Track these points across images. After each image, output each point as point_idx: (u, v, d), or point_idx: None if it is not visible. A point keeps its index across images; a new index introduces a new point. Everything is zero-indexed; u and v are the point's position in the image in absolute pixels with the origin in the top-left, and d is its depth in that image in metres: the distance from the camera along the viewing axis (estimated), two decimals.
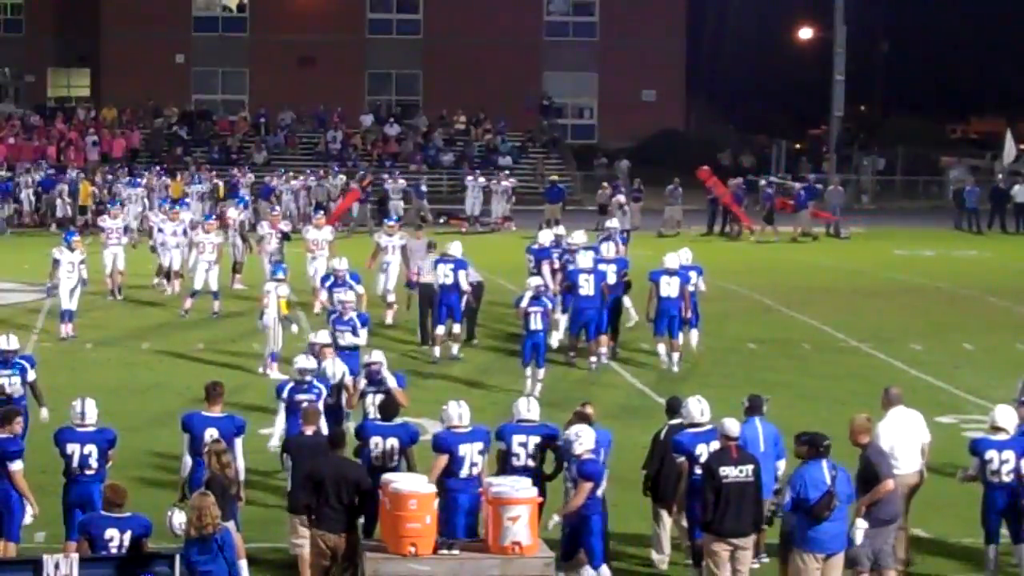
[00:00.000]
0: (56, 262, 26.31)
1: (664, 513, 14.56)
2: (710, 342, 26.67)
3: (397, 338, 26.25)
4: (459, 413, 13.84)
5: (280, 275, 23.51)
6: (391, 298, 27.60)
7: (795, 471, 13.17)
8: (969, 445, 14.40)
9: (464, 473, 13.54)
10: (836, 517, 12.95)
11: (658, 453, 14.43)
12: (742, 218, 45.62)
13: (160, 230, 31.48)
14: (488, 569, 12.71)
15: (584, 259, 23.94)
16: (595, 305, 23.60)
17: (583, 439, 13.54)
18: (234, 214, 34.18)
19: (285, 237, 30.83)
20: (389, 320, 27.20)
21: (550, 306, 22.18)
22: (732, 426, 13.39)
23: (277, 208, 39.14)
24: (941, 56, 76.80)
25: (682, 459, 13.95)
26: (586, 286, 23.49)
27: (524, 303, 21.77)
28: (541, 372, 21.67)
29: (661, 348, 23.93)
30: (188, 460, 14.41)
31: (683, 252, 24.35)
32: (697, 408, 14.21)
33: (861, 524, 13.20)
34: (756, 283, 34.03)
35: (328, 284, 23.36)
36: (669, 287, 23.53)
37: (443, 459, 13.55)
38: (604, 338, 24.07)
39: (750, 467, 13.16)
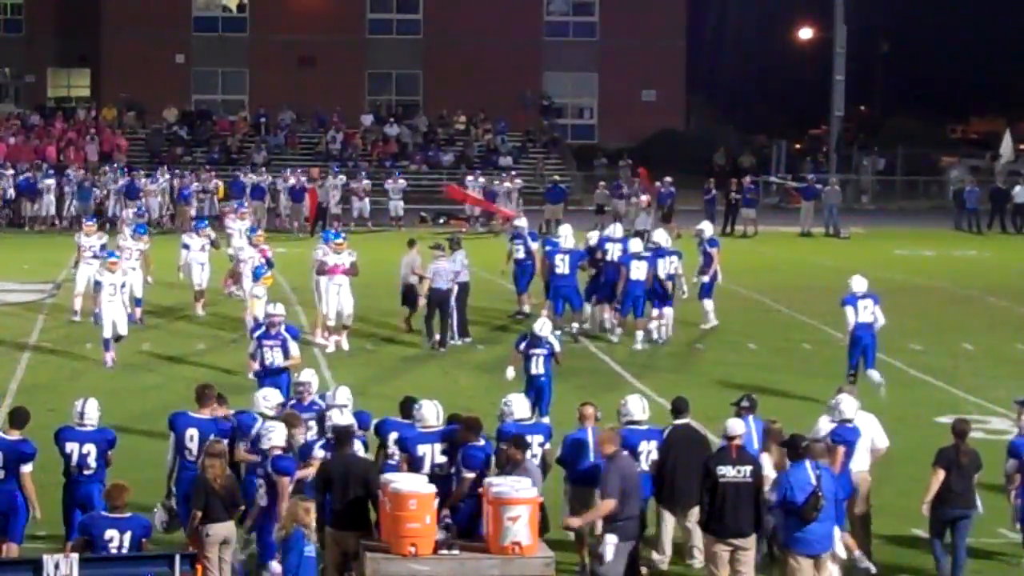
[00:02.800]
0: (98, 284, 24.20)
1: (666, 513, 14.56)
2: (710, 342, 26.74)
3: (406, 340, 26.30)
4: (424, 414, 14.10)
5: (269, 273, 23.84)
6: (348, 322, 25.12)
7: (780, 474, 13.19)
8: (1009, 446, 14.60)
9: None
10: (823, 518, 13.02)
11: (661, 453, 14.42)
12: (501, 212, 44.64)
13: (186, 246, 28.97)
14: (488, 569, 12.72)
15: (565, 242, 26.38)
16: (570, 283, 26.07)
17: (273, 435, 13.61)
18: (238, 225, 31.92)
19: (268, 264, 26.40)
20: (340, 346, 24.83)
21: (557, 347, 19.63)
22: (735, 426, 13.43)
23: (258, 229, 32.36)
24: (941, 56, 76.82)
25: (626, 454, 13.95)
26: (561, 265, 25.92)
27: (523, 345, 19.41)
28: (545, 420, 18.81)
29: (639, 333, 25.76)
30: (170, 458, 14.44)
31: (705, 224, 28.06)
32: (638, 406, 14.31)
33: (610, 539, 13.33)
34: (756, 283, 34.03)
35: (258, 335, 19.37)
36: (638, 270, 25.58)
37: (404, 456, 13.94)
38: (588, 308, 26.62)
39: (749, 467, 13.17)
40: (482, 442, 13.75)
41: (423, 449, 13.85)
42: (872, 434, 14.70)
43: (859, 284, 22.14)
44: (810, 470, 13.02)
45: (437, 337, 25.25)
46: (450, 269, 25.24)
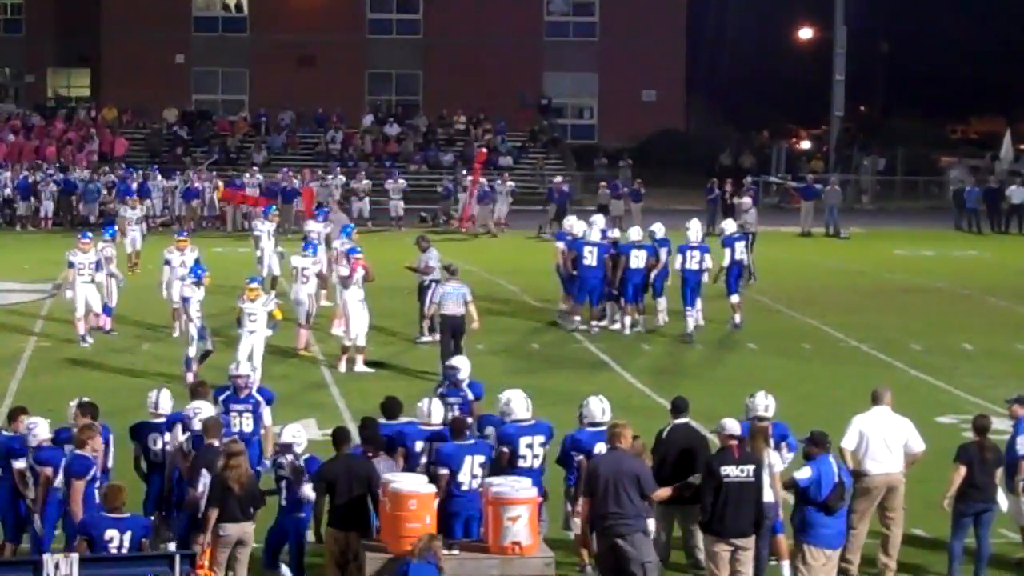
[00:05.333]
0: (186, 300, 22.95)
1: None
2: (710, 342, 26.76)
3: (406, 342, 26.27)
4: (428, 410, 14.27)
5: (254, 285, 22.43)
6: (361, 342, 23.92)
7: (808, 465, 13.26)
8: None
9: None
10: (840, 513, 13.15)
11: (660, 452, 14.40)
12: (259, 204, 43.85)
13: (167, 262, 26.61)
14: (488, 569, 12.72)
15: (593, 233, 27.31)
16: (598, 275, 26.82)
17: (37, 430, 13.84)
18: (317, 227, 30.76)
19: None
20: (351, 368, 23.72)
21: (471, 396, 16.11)
22: (732, 425, 13.43)
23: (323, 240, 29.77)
24: (941, 56, 76.80)
25: (580, 457, 14.02)
26: (590, 257, 26.79)
27: (439, 391, 16.11)
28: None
29: (627, 319, 27.13)
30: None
31: (657, 226, 28.30)
32: (598, 408, 14.27)
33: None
34: (756, 283, 34.02)
35: (224, 398, 15.88)
36: (637, 260, 26.82)
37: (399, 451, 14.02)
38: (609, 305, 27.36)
39: (751, 467, 13.17)
40: (471, 441, 13.71)
41: (421, 446, 13.94)
42: (907, 437, 14.63)
43: (695, 234, 26.84)
44: (833, 464, 13.25)
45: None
46: (460, 292, 23.04)
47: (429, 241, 26.74)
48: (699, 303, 27.20)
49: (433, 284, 25.45)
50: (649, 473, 13.29)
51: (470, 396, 16.03)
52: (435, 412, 14.24)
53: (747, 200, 38.88)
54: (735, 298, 27.95)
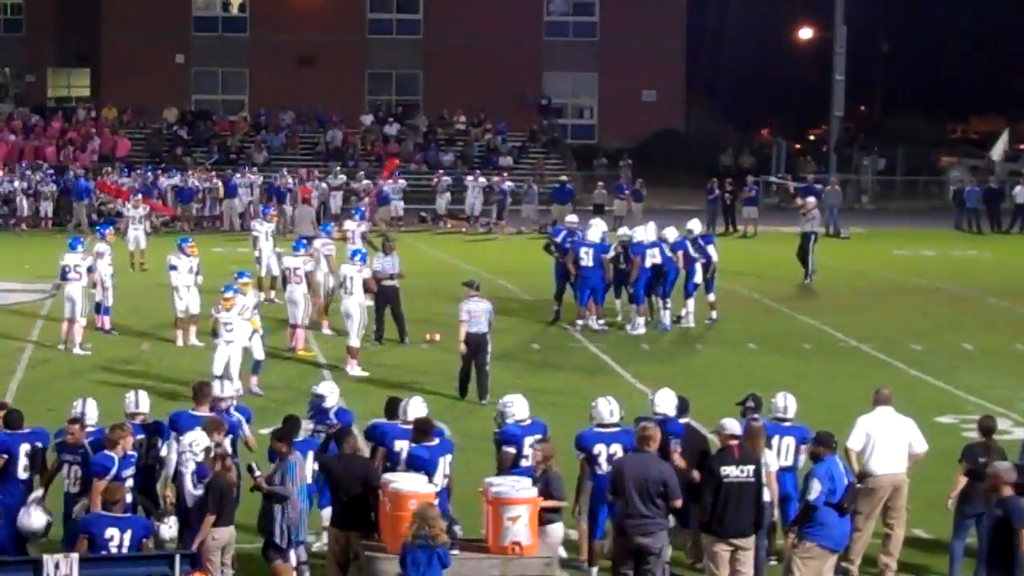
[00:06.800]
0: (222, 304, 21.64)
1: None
2: (710, 341, 26.76)
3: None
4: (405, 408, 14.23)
5: (229, 295, 21.47)
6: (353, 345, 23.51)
7: (817, 467, 13.21)
8: None
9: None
10: (849, 514, 13.20)
11: (659, 452, 14.39)
12: (164, 210, 44.00)
13: (173, 267, 25.54)
14: (488, 569, 12.71)
15: (593, 234, 27.75)
16: (596, 275, 27.21)
17: None
18: (351, 226, 30.81)
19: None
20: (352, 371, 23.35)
21: (338, 424, 14.66)
22: (732, 425, 13.44)
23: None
24: (941, 56, 76.85)
25: (583, 456, 13.99)
26: (586, 258, 27.14)
27: (310, 415, 15.19)
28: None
29: (640, 319, 27.33)
30: (174, 458, 14.31)
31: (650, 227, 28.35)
32: (607, 408, 14.19)
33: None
34: (756, 283, 34.05)
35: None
36: (653, 258, 27.22)
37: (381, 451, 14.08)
38: (594, 306, 27.56)
39: (751, 467, 13.17)
40: (436, 441, 13.66)
41: (400, 445, 13.88)
42: (911, 437, 14.62)
43: (658, 232, 27.67)
44: (840, 464, 13.24)
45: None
46: (484, 309, 21.62)
47: (393, 244, 26.58)
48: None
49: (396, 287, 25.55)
50: (676, 480, 13.20)
51: (336, 424, 14.74)
52: (412, 411, 14.15)
53: (811, 200, 38.10)
54: (711, 296, 28.46)
